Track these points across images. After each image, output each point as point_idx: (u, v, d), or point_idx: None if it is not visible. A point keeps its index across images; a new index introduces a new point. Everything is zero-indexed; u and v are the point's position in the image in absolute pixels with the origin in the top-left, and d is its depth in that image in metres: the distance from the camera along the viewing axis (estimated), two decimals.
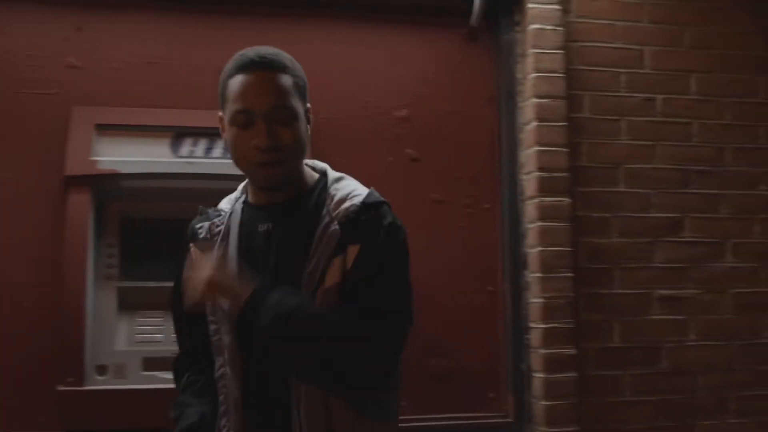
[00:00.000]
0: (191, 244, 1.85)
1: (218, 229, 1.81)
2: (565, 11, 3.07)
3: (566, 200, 2.97)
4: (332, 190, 1.77)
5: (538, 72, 2.99)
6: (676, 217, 3.11)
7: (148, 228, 2.80)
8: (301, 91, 1.78)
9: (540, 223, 2.94)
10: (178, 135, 2.79)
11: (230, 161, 2.65)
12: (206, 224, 1.85)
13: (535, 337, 2.96)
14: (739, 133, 3.21)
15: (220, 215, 1.85)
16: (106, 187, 2.71)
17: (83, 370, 2.60)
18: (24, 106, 2.82)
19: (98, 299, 2.69)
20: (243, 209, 1.83)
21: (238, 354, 1.71)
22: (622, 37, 3.14)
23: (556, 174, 2.97)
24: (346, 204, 1.72)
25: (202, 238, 1.82)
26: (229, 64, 1.72)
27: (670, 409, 3.03)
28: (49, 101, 2.82)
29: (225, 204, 1.90)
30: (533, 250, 2.97)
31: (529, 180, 3.01)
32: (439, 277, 2.99)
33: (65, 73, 2.85)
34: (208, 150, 2.79)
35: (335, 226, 1.69)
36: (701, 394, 3.06)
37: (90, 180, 2.68)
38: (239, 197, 1.87)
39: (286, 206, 1.76)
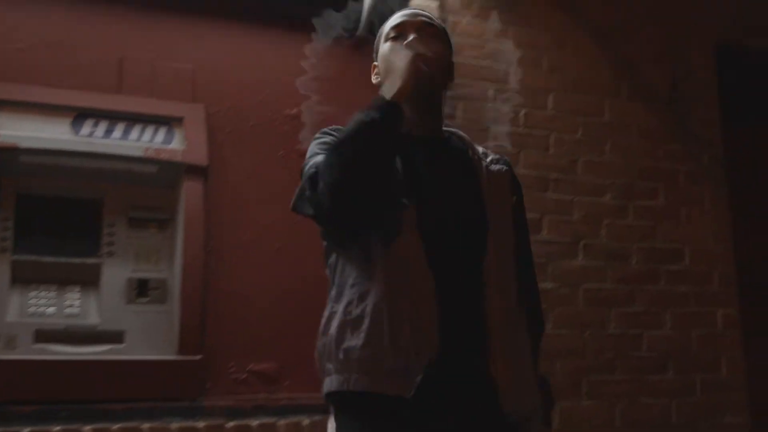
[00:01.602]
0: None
1: None
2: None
3: None
4: (469, 140, 1.99)
5: None
6: (536, 217, 3.45)
7: (44, 204, 2.85)
8: (448, 39, 1.99)
9: None
10: (79, 115, 2.87)
11: (129, 143, 2.81)
12: None
13: None
14: (588, 148, 3.62)
15: None
16: (5, 161, 2.74)
17: None
18: None
19: None
20: None
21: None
22: (492, 55, 3.50)
23: None
24: (494, 155, 1.97)
25: None
26: None
27: None
28: None
29: None
30: None
31: None
32: None
33: None
34: (108, 132, 2.89)
35: (500, 166, 1.94)
36: (559, 377, 3.37)
37: None
38: None
39: (436, 141, 1.93)
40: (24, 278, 2.76)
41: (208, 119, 3.01)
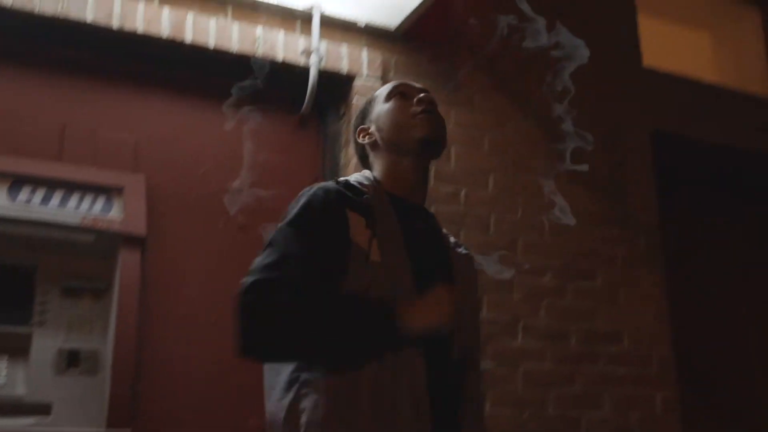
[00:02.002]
0: (349, 210, 1.77)
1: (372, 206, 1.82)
2: None
3: None
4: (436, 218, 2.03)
5: None
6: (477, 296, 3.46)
7: None
8: None
9: None
10: (16, 181, 2.83)
11: (67, 211, 2.79)
12: (362, 198, 1.82)
13: None
14: (529, 228, 3.67)
15: (364, 194, 1.84)
16: None
17: None
18: None
19: None
20: (386, 197, 1.86)
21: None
22: None
23: None
24: (453, 239, 2.00)
25: (374, 206, 1.81)
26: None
27: None
28: None
29: (356, 183, 1.89)
30: None
31: None
32: None
33: None
34: (46, 199, 2.85)
35: (465, 251, 1.98)
36: None
37: None
38: (374, 184, 1.89)
39: (425, 210, 1.97)
40: None
41: (149, 190, 2.99)
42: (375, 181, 1.92)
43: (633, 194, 3.96)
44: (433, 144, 1.91)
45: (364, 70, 3.44)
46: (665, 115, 4.19)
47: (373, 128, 1.99)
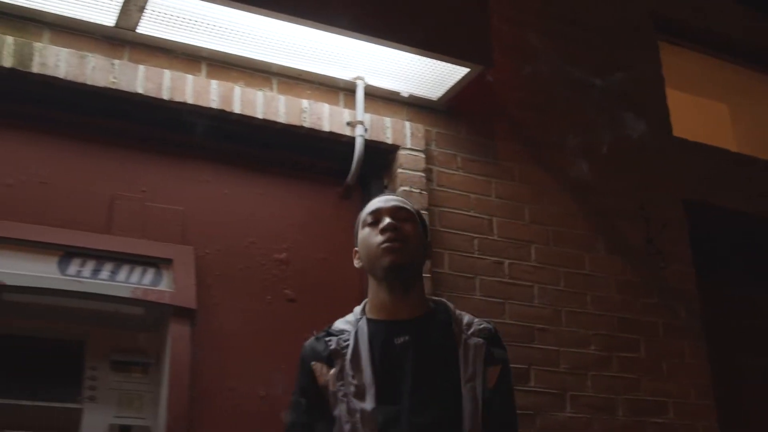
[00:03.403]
0: (313, 362, 2.06)
1: (346, 343, 2.04)
2: (428, 179, 3.46)
3: None
4: (458, 314, 2.11)
5: None
6: (523, 368, 3.41)
7: (24, 345, 2.71)
8: (422, 223, 2.19)
9: None
10: (67, 254, 2.79)
11: (116, 284, 2.74)
12: (334, 339, 2.07)
13: None
14: (571, 299, 3.64)
15: (343, 333, 2.08)
16: None
17: None
18: None
19: None
20: (368, 326, 2.06)
21: None
22: (475, 206, 3.56)
23: None
24: (478, 326, 2.07)
25: (333, 349, 2.04)
26: None
27: None
28: None
29: (342, 324, 2.12)
30: None
31: None
32: None
33: None
34: (96, 271, 2.81)
35: (478, 340, 2.02)
36: None
37: None
38: (359, 318, 2.11)
39: (417, 321, 2.05)
40: (2, 423, 2.59)
41: (198, 261, 2.95)
42: (360, 314, 2.14)
43: (670, 264, 3.95)
44: (396, 271, 2.06)
45: (408, 142, 3.44)
46: (696, 183, 4.22)
47: (360, 253, 2.19)
